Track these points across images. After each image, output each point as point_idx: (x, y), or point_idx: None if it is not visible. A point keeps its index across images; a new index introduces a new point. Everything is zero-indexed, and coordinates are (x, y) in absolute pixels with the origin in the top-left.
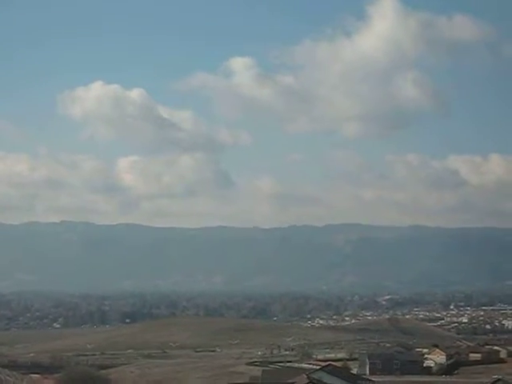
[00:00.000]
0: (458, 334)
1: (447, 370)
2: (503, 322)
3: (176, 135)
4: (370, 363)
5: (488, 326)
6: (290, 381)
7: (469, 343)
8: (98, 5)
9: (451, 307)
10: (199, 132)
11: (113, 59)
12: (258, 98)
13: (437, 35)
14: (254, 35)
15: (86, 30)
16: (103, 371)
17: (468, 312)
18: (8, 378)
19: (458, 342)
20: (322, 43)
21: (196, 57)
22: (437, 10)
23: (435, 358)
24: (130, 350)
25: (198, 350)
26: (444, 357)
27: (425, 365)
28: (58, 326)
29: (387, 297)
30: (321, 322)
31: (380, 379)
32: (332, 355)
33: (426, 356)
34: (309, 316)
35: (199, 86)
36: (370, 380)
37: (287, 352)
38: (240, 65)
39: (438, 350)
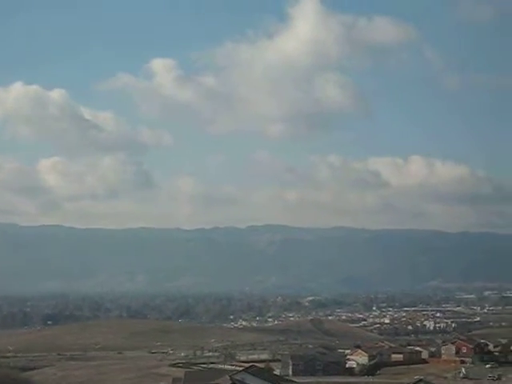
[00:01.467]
0: (381, 334)
1: (369, 370)
2: (425, 323)
3: (98, 136)
4: (293, 364)
5: (410, 327)
6: (213, 382)
7: (391, 344)
8: (19, 4)
9: (373, 308)
10: (121, 133)
11: (33, 60)
12: (180, 100)
13: (358, 37)
14: (176, 37)
15: (4, 29)
16: (25, 373)
17: (390, 313)
18: None
19: (380, 343)
20: (244, 45)
21: (118, 58)
22: (358, 11)
23: (357, 359)
24: (51, 352)
25: (121, 351)
26: (366, 357)
27: (347, 365)
28: None
29: (310, 298)
30: (244, 323)
31: (303, 380)
32: (255, 356)
33: (348, 357)
34: (232, 317)
35: (121, 88)
36: (292, 381)
37: (210, 353)
38: (161, 66)
39: (360, 350)
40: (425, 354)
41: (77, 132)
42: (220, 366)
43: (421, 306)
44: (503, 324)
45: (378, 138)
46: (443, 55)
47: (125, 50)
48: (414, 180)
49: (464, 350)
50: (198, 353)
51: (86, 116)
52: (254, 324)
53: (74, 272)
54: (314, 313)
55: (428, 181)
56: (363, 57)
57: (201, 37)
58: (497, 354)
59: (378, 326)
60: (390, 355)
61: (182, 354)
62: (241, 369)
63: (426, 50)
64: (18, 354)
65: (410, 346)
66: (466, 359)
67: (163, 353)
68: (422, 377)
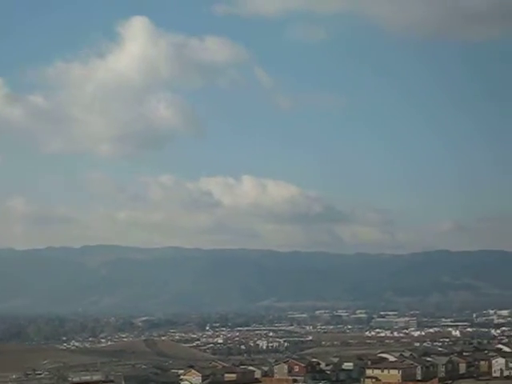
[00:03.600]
0: (214, 354)
1: None
2: (258, 343)
3: None
4: None
5: (243, 347)
6: None
7: (224, 364)
8: None
9: (207, 328)
10: None
11: None
12: (9, 119)
13: (189, 57)
14: (5, 55)
15: None
16: None
17: (223, 333)
18: None
19: (214, 363)
20: (75, 64)
21: None
22: (189, 31)
23: (191, 379)
24: None
25: None
26: (199, 377)
27: None
28: None
29: (143, 318)
30: (77, 344)
31: None
32: (88, 377)
33: (181, 377)
34: (65, 338)
35: None
36: None
37: (42, 375)
38: None
39: (193, 370)
40: (258, 374)
41: None
42: None
43: (254, 325)
44: (335, 343)
45: (210, 157)
46: (275, 75)
47: None
48: (246, 200)
49: (296, 369)
50: (30, 375)
51: None
52: (87, 345)
53: None
54: (147, 333)
55: (260, 200)
56: (195, 77)
57: (31, 55)
58: (328, 372)
59: (211, 345)
60: (223, 375)
61: (14, 376)
62: None
63: (258, 71)
64: None
65: (243, 365)
66: (299, 378)
67: None
68: None
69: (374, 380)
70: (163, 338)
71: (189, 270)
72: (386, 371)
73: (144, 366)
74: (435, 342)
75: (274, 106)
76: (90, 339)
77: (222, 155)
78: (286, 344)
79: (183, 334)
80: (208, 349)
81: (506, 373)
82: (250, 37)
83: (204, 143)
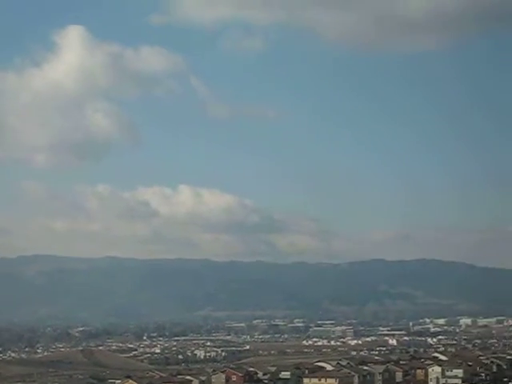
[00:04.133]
0: (151, 364)
1: None
2: (195, 352)
3: None
4: None
5: (180, 356)
6: None
7: (161, 374)
8: None
9: (144, 338)
10: None
11: None
12: None
13: (126, 66)
14: None
15: None
16: None
17: (161, 342)
18: None
19: (151, 373)
20: (11, 73)
21: None
22: (126, 41)
23: None
24: None
25: None
26: None
27: None
28: None
29: (80, 328)
30: (13, 354)
31: None
32: None
33: None
34: (0, 349)
35: None
36: None
37: None
38: None
39: (131, 380)
40: (195, 383)
41: None
42: None
43: (191, 335)
44: (272, 352)
45: (146, 167)
46: (211, 85)
47: None
48: (182, 209)
49: (234, 379)
50: None
51: None
52: (24, 355)
53: None
54: (84, 343)
55: (197, 210)
56: (131, 86)
57: None
58: (266, 381)
59: (148, 355)
60: None
61: None
62: None
63: (194, 80)
64: None
65: (180, 375)
66: None
67: None
68: None
69: None
70: (100, 348)
71: (126, 279)
72: (323, 380)
73: (81, 377)
74: (372, 350)
75: (211, 116)
76: (27, 349)
77: (158, 165)
78: (223, 353)
79: (120, 344)
80: (145, 359)
81: (442, 381)
82: (186, 47)
83: (141, 153)
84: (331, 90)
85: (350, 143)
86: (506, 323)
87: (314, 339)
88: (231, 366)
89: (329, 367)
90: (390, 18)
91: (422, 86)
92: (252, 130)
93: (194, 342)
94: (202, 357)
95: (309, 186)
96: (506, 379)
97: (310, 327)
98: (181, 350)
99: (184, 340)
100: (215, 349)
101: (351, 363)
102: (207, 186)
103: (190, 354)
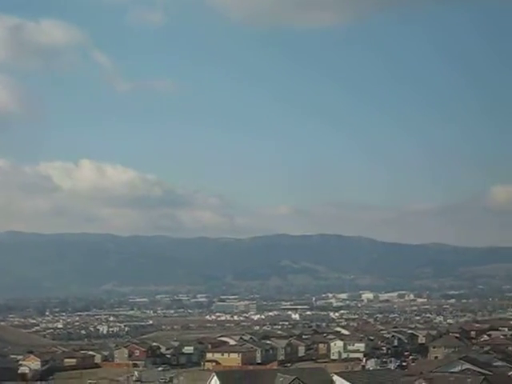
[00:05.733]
0: (54, 339)
1: (42, 375)
2: (98, 327)
3: None
4: None
5: (83, 332)
6: None
7: (64, 349)
8: None
9: (47, 313)
10: None
11: None
12: None
13: (26, 39)
14: None
15: None
16: None
17: (63, 318)
18: None
19: (54, 348)
20: None
21: None
22: (26, 14)
23: (30, 364)
24: None
25: None
26: (39, 362)
27: (20, 371)
28: None
29: None
30: None
31: None
32: None
33: (20, 362)
34: None
35: None
36: None
37: None
38: None
39: (32, 356)
40: (98, 358)
41: None
42: None
43: (94, 310)
44: (175, 327)
45: (48, 141)
46: (114, 59)
47: None
48: (85, 184)
49: (137, 354)
50: None
51: None
52: None
53: None
54: None
55: (99, 184)
56: (31, 59)
57: None
58: (169, 356)
59: (51, 331)
60: (62, 360)
61: None
62: None
63: (97, 54)
64: None
65: (83, 350)
66: (139, 362)
67: None
68: (94, 381)
69: (214, 363)
70: (2, 323)
71: (28, 254)
72: (226, 355)
73: None
74: (275, 325)
75: (113, 90)
76: None
77: (60, 139)
78: (126, 329)
79: (22, 320)
80: (48, 334)
81: (344, 355)
82: (89, 20)
83: (42, 127)
84: (235, 67)
85: (253, 120)
86: (407, 297)
87: (218, 314)
88: (134, 340)
89: (232, 342)
90: None
91: (314, 61)
92: (153, 104)
93: (97, 317)
94: (104, 332)
95: (213, 162)
96: (406, 353)
97: (214, 302)
98: (83, 325)
99: (87, 315)
100: (118, 324)
101: (254, 338)
102: (110, 161)
103: (92, 330)
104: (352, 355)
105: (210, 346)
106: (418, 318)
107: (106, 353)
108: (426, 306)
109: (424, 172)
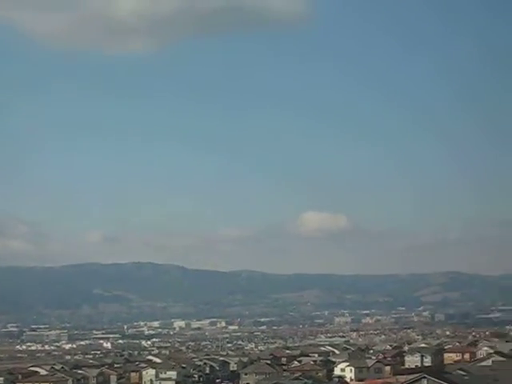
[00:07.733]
0: None
1: None
2: None
3: None
4: None
5: None
6: None
7: None
8: None
9: None
10: None
11: None
12: None
13: None
14: None
15: None
16: None
17: None
18: None
19: None
20: None
21: None
22: None
23: None
24: None
25: None
26: None
27: None
28: None
29: None
30: None
31: None
32: None
33: None
34: None
35: None
36: None
37: None
38: None
39: None
40: None
41: None
42: None
43: None
44: None
45: None
46: None
47: None
48: None
49: None
50: None
51: None
52: None
53: None
54: None
55: None
56: None
57: None
58: None
59: None
60: None
61: None
62: None
63: None
64: None
65: None
66: None
67: None
68: None
69: None
70: None
71: None
72: None
73: None
74: (87, 354)
75: None
76: None
77: None
78: None
79: None
80: None
81: (155, 383)
82: None
83: None
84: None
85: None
86: (218, 325)
87: (28, 344)
88: None
89: (43, 372)
90: (100, 19)
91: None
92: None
93: None
94: None
95: (26, 189)
96: (218, 380)
97: (24, 332)
98: None
99: None
100: None
101: (65, 367)
102: None
103: None
104: (164, 383)
105: (20, 377)
106: (229, 345)
107: None
108: (238, 333)
109: (231, 198)
